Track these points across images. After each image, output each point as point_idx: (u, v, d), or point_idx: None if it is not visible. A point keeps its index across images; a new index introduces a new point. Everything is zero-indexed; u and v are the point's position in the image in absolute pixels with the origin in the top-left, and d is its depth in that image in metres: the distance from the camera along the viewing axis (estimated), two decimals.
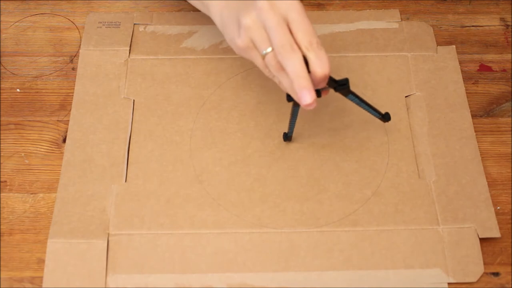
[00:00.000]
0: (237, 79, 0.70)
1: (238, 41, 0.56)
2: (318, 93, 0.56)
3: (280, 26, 0.52)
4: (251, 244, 0.60)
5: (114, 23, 0.74)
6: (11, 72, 0.71)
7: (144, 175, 0.63)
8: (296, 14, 0.53)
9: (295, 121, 0.62)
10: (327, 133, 0.66)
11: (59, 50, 0.73)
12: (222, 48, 0.72)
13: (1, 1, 0.77)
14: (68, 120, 0.67)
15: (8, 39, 0.74)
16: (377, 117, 0.63)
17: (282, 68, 0.54)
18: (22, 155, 0.66)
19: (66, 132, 0.66)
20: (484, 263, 0.59)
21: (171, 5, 0.76)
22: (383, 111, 0.64)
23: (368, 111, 0.62)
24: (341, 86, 0.57)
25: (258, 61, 0.56)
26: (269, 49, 0.54)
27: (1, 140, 0.66)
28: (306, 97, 0.52)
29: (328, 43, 0.72)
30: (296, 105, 0.59)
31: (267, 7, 0.53)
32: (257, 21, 0.54)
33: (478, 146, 0.65)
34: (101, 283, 0.57)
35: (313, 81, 0.53)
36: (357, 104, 0.61)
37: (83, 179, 0.63)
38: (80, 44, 0.73)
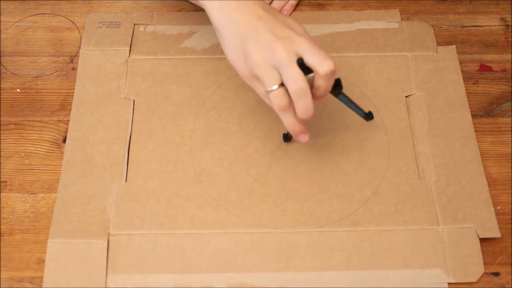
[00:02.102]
0: (237, 79, 0.70)
1: (244, 71, 0.55)
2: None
3: (300, 75, 0.53)
4: (251, 244, 0.60)
5: (114, 23, 0.74)
6: (11, 72, 0.71)
7: (144, 175, 0.63)
8: (306, 47, 0.53)
9: None
10: (327, 133, 0.66)
11: (59, 50, 0.73)
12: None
13: (1, 1, 0.77)
14: (68, 120, 0.67)
15: (8, 39, 0.74)
16: (361, 116, 0.62)
17: (285, 107, 0.54)
18: (22, 155, 0.66)
19: (66, 132, 0.66)
20: (484, 263, 0.59)
21: (171, 5, 0.76)
22: (383, 111, 0.63)
23: (355, 111, 0.62)
24: (335, 86, 0.57)
25: (260, 91, 0.56)
26: (275, 87, 0.54)
27: (1, 140, 0.66)
28: (305, 138, 0.58)
29: (328, 43, 0.72)
30: None
31: (282, 49, 0.53)
32: (269, 59, 0.53)
33: (478, 146, 0.65)
34: (101, 283, 0.57)
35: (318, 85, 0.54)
36: (346, 104, 0.60)
37: (83, 179, 0.63)
38: (80, 44, 0.73)
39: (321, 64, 0.53)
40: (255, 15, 0.55)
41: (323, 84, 0.54)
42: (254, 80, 0.55)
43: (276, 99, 0.54)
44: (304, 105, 0.54)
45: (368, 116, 0.62)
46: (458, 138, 0.66)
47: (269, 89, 0.54)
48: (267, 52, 0.53)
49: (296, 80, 0.53)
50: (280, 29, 0.54)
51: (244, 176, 0.64)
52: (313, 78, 0.54)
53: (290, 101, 0.54)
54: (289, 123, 0.56)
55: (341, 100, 0.60)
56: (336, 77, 0.56)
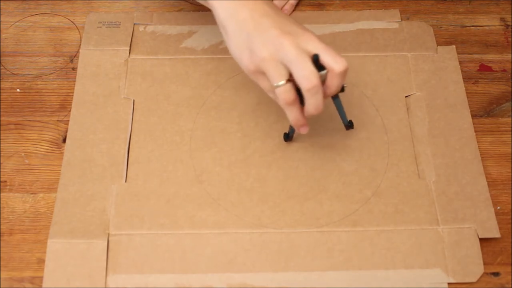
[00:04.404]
0: (237, 79, 0.70)
1: (249, 66, 0.55)
2: None
3: (314, 74, 0.53)
4: (251, 244, 0.60)
5: (114, 23, 0.74)
6: (11, 72, 0.71)
7: (144, 175, 0.63)
8: (317, 44, 0.54)
9: None
10: (327, 133, 0.66)
11: (59, 50, 0.73)
12: (222, 48, 0.72)
13: (1, 1, 0.77)
14: (68, 120, 0.67)
15: (8, 39, 0.74)
16: (344, 124, 0.63)
17: (292, 102, 0.54)
18: (22, 155, 0.66)
19: (66, 132, 0.66)
20: (484, 263, 0.59)
21: (171, 5, 0.76)
22: (383, 111, 0.64)
23: (341, 117, 0.62)
24: None
25: (265, 86, 0.56)
26: (282, 82, 0.53)
27: (1, 140, 0.66)
28: (305, 129, 0.59)
29: (328, 43, 0.71)
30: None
31: (289, 45, 0.53)
32: (274, 55, 0.53)
33: (478, 146, 0.65)
34: (101, 283, 0.57)
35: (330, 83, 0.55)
36: (338, 108, 0.61)
37: (83, 179, 0.63)
38: (80, 44, 0.73)
39: (337, 62, 0.53)
40: (260, 11, 0.55)
41: (336, 83, 0.55)
42: (259, 75, 0.55)
43: (283, 94, 0.54)
44: (316, 101, 0.54)
45: (350, 124, 0.63)
46: (458, 138, 0.66)
47: (276, 84, 0.54)
48: (273, 47, 0.53)
49: (310, 78, 0.53)
50: (285, 25, 0.54)
51: (244, 176, 0.64)
52: (324, 75, 0.54)
53: (296, 95, 0.55)
54: (294, 117, 0.57)
55: (336, 103, 0.60)
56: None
